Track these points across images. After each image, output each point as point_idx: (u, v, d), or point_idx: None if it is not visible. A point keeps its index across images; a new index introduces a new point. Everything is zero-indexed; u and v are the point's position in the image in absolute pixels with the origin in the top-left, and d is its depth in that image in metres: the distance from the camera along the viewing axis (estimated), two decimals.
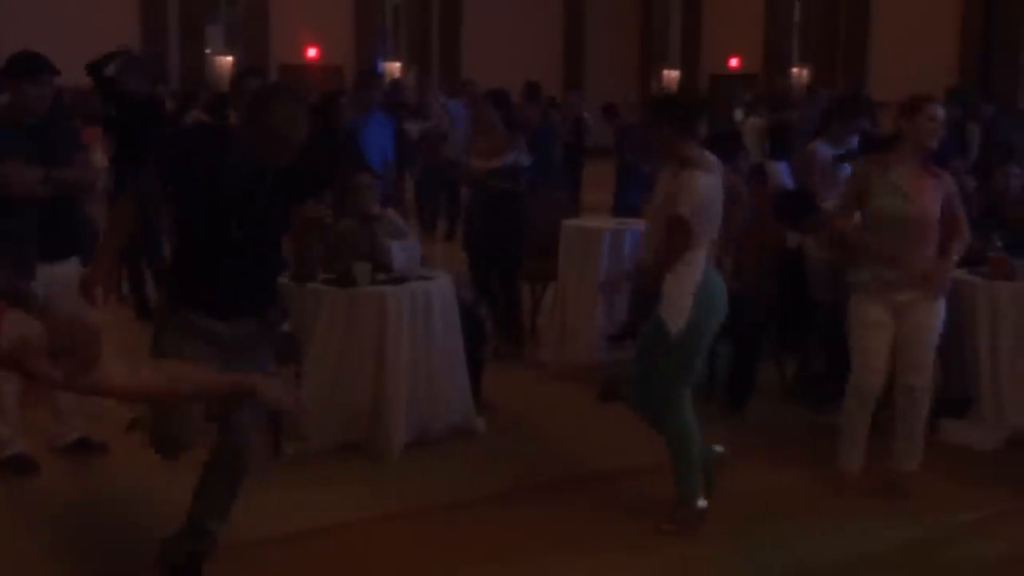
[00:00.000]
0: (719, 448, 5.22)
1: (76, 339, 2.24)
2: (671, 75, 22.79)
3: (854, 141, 7.66)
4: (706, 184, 4.84)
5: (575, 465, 5.84)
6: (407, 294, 5.93)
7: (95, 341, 2.28)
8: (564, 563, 4.78)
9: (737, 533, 5.06)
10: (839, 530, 5.13)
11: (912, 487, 5.41)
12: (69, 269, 5.50)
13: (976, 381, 6.12)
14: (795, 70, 20.12)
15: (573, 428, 6.39)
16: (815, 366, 6.96)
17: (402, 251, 6.31)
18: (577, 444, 6.12)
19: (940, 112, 5.53)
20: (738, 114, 14.92)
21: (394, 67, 21.83)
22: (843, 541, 5.03)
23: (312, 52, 19.69)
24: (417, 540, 4.96)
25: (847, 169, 6.93)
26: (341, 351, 5.85)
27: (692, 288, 4.83)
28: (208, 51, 19.23)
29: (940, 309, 5.40)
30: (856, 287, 5.46)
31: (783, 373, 7.15)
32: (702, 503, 5.00)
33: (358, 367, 5.86)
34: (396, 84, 15.45)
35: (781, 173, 10.55)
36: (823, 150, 7.66)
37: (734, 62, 21.31)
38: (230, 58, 19.19)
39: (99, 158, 8.94)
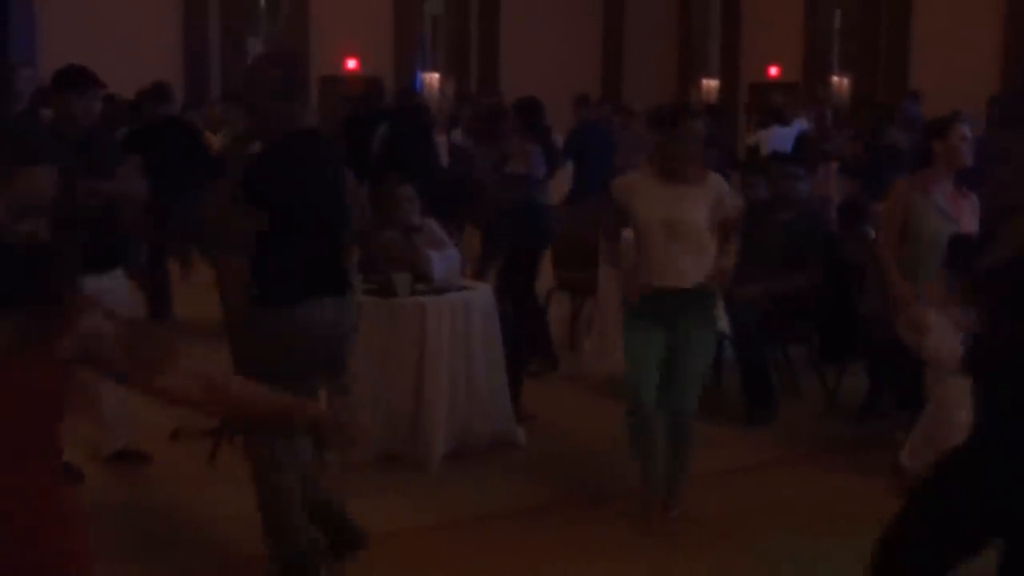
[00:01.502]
0: None
1: (150, 339, 2.29)
2: (710, 84, 22.72)
3: None
4: None
5: (615, 477, 5.80)
6: (447, 305, 5.95)
7: (168, 345, 2.31)
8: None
9: (777, 542, 5.05)
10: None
11: None
12: (113, 281, 5.56)
13: None
14: (835, 78, 19.98)
15: (613, 440, 6.37)
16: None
17: (442, 261, 6.33)
18: (617, 456, 6.09)
19: (968, 130, 5.55)
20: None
21: (432, 78, 21.90)
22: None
23: (352, 63, 19.78)
24: (455, 551, 4.97)
25: None
26: (381, 362, 5.87)
27: None
28: (249, 63, 19.37)
29: None
30: None
31: (825, 382, 7.11)
32: None
33: (398, 378, 5.87)
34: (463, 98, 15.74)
35: None
36: None
37: (774, 70, 21.18)
38: None
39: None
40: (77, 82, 5.68)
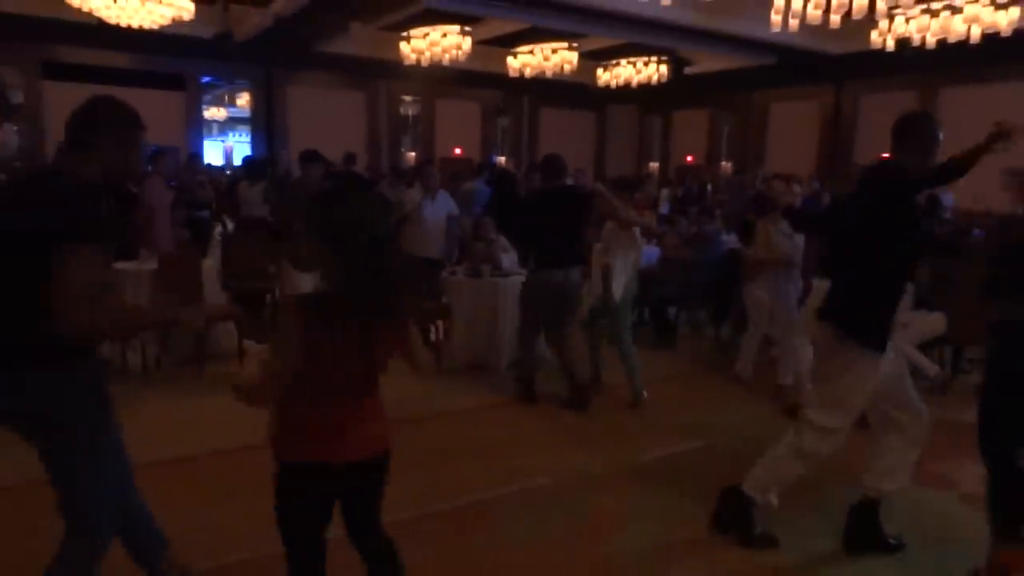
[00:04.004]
0: None
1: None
2: (654, 166, 22.40)
3: None
4: None
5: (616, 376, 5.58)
6: (509, 282, 5.90)
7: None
8: (618, 441, 4.65)
9: (693, 419, 4.96)
10: (736, 409, 4.98)
11: None
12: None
13: None
14: (724, 163, 19.67)
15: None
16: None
17: (507, 259, 6.31)
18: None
19: (797, 188, 5.46)
20: (662, 192, 14.38)
21: (501, 159, 21.83)
22: (727, 414, 4.84)
23: (458, 150, 19.83)
24: (514, 421, 4.91)
25: None
26: (474, 312, 5.86)
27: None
28: (402, 149, 19.42)
29: None
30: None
31: (717, 334, 7.00)
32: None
33: (482, 321, 5.86)
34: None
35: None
36: None
37: (690, 158, 20.92)
38: (413, 153, 19.34)
39: None
40: (311, 159, 5.73)
